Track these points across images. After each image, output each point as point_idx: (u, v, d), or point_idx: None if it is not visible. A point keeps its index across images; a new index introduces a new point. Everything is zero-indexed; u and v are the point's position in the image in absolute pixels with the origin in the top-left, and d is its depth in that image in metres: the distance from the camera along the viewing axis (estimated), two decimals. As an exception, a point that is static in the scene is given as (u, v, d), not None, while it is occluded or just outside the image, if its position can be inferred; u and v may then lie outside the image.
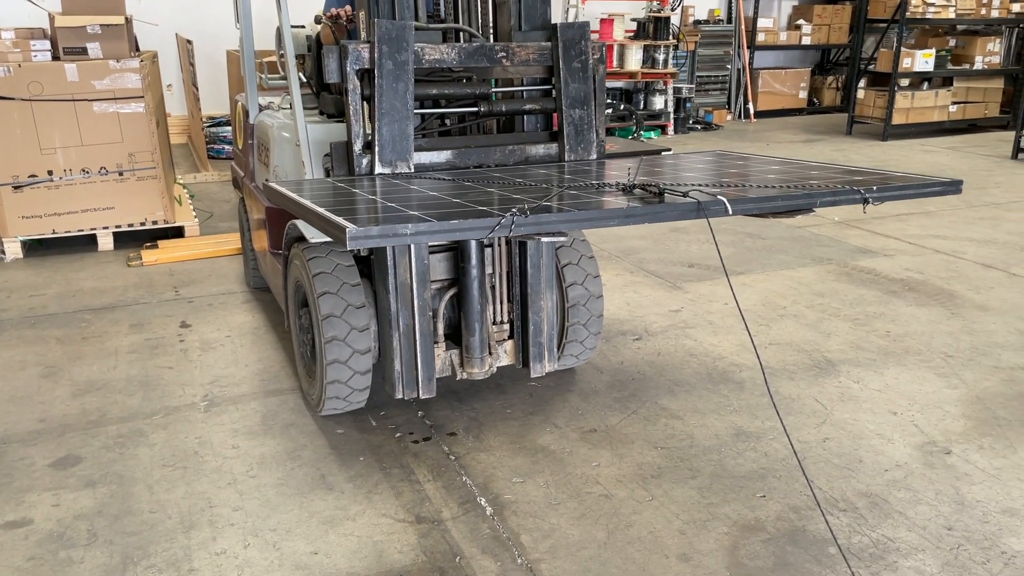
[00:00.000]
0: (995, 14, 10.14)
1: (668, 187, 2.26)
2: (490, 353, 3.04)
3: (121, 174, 5.12)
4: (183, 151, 8.50)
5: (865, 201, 2.27)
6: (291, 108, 3.63)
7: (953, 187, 2.44)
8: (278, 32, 4.01)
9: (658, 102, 10.42)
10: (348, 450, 2.91)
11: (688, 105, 10.74)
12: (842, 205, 2.32)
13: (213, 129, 8.43)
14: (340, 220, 1.98)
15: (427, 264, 2.87)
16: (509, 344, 3.13)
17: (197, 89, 7.23)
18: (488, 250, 3.04)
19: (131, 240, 5.35)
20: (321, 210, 2.14)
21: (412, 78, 2.84)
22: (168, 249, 5.12)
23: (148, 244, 5.22)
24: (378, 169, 2.83)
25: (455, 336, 3.11)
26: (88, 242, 5.31)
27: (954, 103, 10.14)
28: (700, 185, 2.36)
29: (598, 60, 3.08)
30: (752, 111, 11.51)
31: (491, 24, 3.31)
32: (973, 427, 3.06)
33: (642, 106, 10.39)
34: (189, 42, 7.04)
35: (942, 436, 2.99)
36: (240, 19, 4.04)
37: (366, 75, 2.84)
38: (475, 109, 3.10)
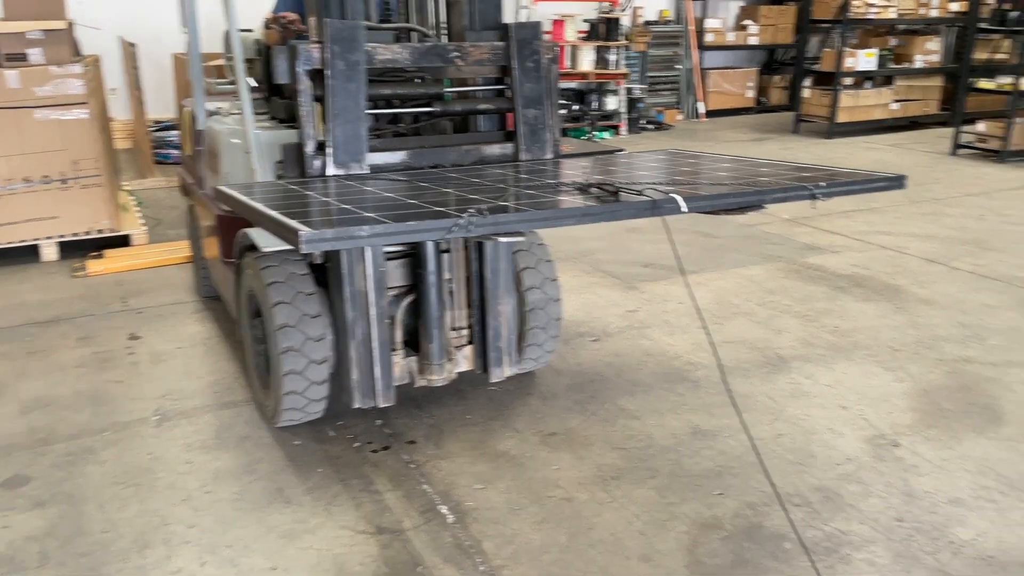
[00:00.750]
0: (934, 14, 10.44)
1: (623, 186, 2.28)
2: (449, 359, 3.04)
3: (65, 182, 4.98)
4: (128, 156, 8.31)
5: (813, 197, 2.33)
6: (240, 113, 3.57)
7: (897, 183, 2.51)
8: (226, 36, 3.95)
9: (611, 102, 10.50)
10: (306, 462, 2.88)
11: (640, 105, 10.84)
12: (792, 201, 2.37)
13: (159, 133, 8.25)
14: (294, 223, 1.95)
15: (384, 271, 2.85)
16: (468, 349, 3.13)
17: (142, 93, 7.07)
18: (446, 255, 3.03)
19: (76, 250, 5.21)
20: (274, 213, 2.11)
21: (365, 78, 2.82)
22: (115, 259, 5.00)
23: (94, 254, 5.09)
24: (331, 171, 2.80)
25: (413, 343, 3.10)
26: (31, 253, 5.15)
27: (896, 101, 10.41)
28: (654, 184, 2.39)
29: (551, 60, 3.10)
30: (702, 110, 11.67)
31: (444, 24, 3.30)
32: (919, 419, 3.15)
33: (595, 106, 10.46)
34: (133, 45, 6.88)
35: (890, 429, 3.07)
36: (186, 23, 3.96)
37: (317, 76, 2.81)
38: (429, 109, 3.09)
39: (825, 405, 3.27)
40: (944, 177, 7.69)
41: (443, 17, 3.32)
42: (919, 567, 2.30)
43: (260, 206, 2.24)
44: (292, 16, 3.45)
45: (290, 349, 2.82)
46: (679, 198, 2.16)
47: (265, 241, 2.91)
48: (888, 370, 3.57)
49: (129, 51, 7.04)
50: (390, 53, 2.88)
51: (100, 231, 5.17)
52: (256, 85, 3.96)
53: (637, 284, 4.72)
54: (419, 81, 3.11)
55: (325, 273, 3.00)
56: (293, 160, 2.88)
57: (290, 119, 3.49)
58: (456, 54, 2.98)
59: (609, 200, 2.20)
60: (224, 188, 2.63)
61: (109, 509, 2.60)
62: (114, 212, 5.21)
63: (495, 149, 3.11)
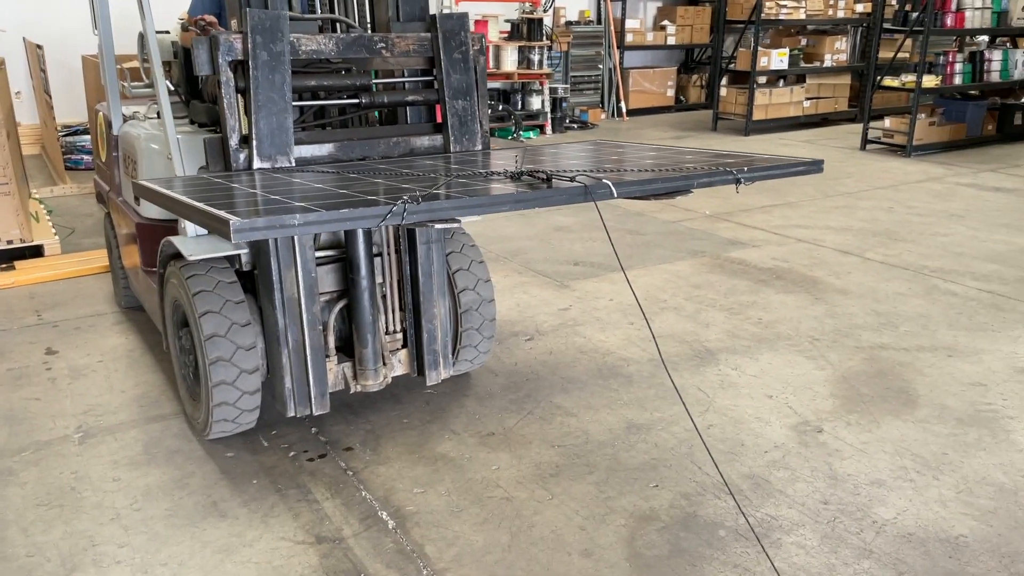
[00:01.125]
0: (841, 15, 10.87)
1: (555, 173, 2.31)
2: (384, 364, 3.02)
3: (-32, 192, 4.74)
4: (37, 163, 7.95)
5: (737, 181, 2.41)
6: (158, 117, 3.47)
7: (815, 167, 2.63)
8: (141, 37, 3.82)
9: (535, 102, 10.58)
10: (240, 473, 2.82)
11: (564, 105, 10.95)
12: (717, 185, 2.45)
13: (70, 138, 7.91)
14: (222, 213, 1.90)
15: (315, 276, 2.81)
16: (403, 353, 3.12)
17: (50, 97, 6.78)
18: (378, 259, 3.01)
19: (-17, 262, 4.97)
20: (200, 204, 2.05)
21: (289, 69, 2.78)
22: (27, 270, 4.78)
23: (3, 266, 4.85)
24: (257, 164, 2.75)
25: (347, 348, 3.07)
26: (-67, 266, 4.88)
27: (808, 99, 10.81)
28: (585, 171, 2.43)
29: (478, 51, 3.11)
30: (624, 109, 11.87)
31: (368, 16, 3.27)
32: (840, 405, 3.29)
33: (520, 106, 10.52)
34: (39, 47, 6.58)
35: (814, 416, 3.20)
36: (98, 24, 3.82)
37: (239, 67, 2.76)
38: (356, 101, 3.06)
39: (752, 395, 3.38)
40: (855, 171, 8.03)
41: (367, 9, 3.30)
42: (845, 547, 2.40)
43: (184, 198, 2.17)
44: (210, 18, 3.36)
45: (220, 359, 2.76)
46: (610, 183, 2.20)
47: (190, 249, 2.84)
48: (810, 359, 3.72)
49: (35, 53, 6.73)
50: (315, 44, 2.85)
51: (10, 242, 4.93)
52: (173, 88, 3.85)
53: (568, 282, 4.77)
54: (345, 73, 3.08)
55: (253, 280, 2.95)
56: (217, 155, 2.82)
57: (211, 123, 3.41)
58: (382, 45, 2.96)
59: (542, 187, 2.23)
60: (145, 183, 2.54)
61: (33, 532, 2.49)
62: (24, 221, 4.98)
63: (424, 141, 3.11)
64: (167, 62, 3.85)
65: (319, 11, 3.23)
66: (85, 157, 7.77)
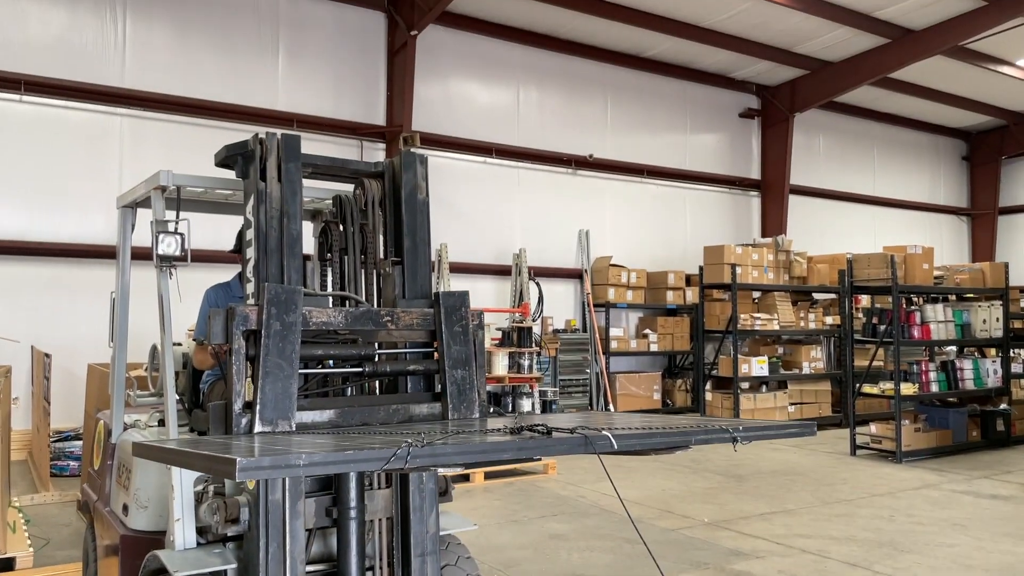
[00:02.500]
0: (812, 326, 11.55)
1: (555, 427, 2.31)
2: None
3: (-51, 501, 4.61)
4: (22, 468, 7.82)
5: (734, 440, 2.40)
6: (159, 426, 3.53)
7: (808, 429, 2.65)
8: (153, 349, 4.00)
9: (525, 404, 10.77)
10: None
11: (554, 407, 11.15)
12: (714, 443, 2.45)
13: (59, 444, 7.87)
14: (227, 454, 1.87)
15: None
16: None
17: (49, 403, 6.87)
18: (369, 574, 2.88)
19: (-54, 577, 4.68)
20: (203, 451, 2.02)
21: (299, 339, 2.87)
22: (-8, 586, 4.50)
23: (-32, 581, 4.57)
24: (258, 428, 2.73)
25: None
26: None
27: (791, 404, 11.09)
28: (585, 426, 2.44)
29: (477, 326, 3.25)
30: (612, 411, 12.07)
31: (376, 292, 3.44)
32: None
33: (511, 408, 10.69)
34: (47, 356, 6.82)
35: None
36: (115, 336, 4.01)
37: (252, 336, 2.83)
38: (360, 370, 3.12)
39: None
40: (849, 478, 7.98)
41: (374, 288, 3.48)
42: None
43: (186, 447, 2.15)
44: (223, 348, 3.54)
45: None
46: (610, 435, 2.20)
47: (176, 564, 2.72)
48: None
49: (42, 361, 6.95)
50: (325, 316, 2.98)
51: (-19, 554, 4.70)
52: (179, 397, 3.95)
53: (566, 599, 4.51)
54: (351, 343, 3.19)
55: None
56: (219, 420, 2.81)
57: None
58: (387, 318, 3.10)
59: (542, 438, 2.23)
60: (146, 442, 2.50)
61: None
62: (1, 532, 4.78)
63: (423, 408, 3.14)
64: (176, 372, 4.00)
65: (331, 288, 3.41)
66: (72, 463, 7.68)
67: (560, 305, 12.67)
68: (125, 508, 3.50)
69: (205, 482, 3.00)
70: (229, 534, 2.76)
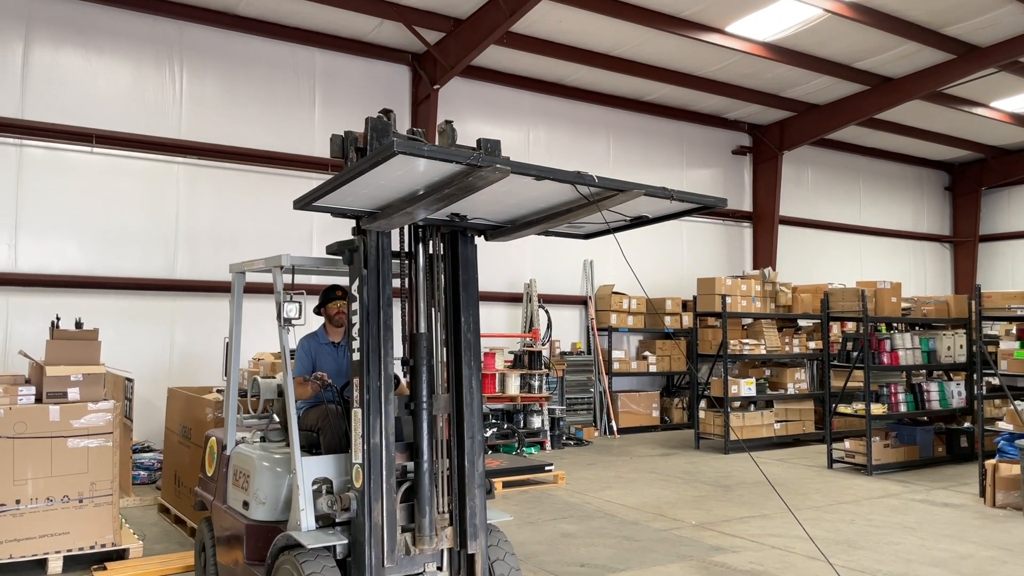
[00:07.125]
0: (797, 350, 12.66)
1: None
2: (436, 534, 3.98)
3: (81, 501, 5.73)
4: (97, 476, 8.94)
5: (671, 197, 3.75)
6: (262, 441, 4.69)
7: (720, 202, 4.26)
8: (254, 381, 5.15)
9: (536, 421, 11.90)
10: None
11: (561, 423, 12.28)
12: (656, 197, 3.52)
13: (134, 455, 8.99)
14: None
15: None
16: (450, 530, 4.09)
17: (131, 421, 8.00)
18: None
19: (75, 564, 5.77)
20: None
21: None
22: (118, 571, 5.61)
23: (96, 567, 5.68)
24: None
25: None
26: (37, 566, 5.69)
27: (778, 421, 12.18)
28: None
29: None
30: (615, 428, 13.17)
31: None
32: None
33: (522, 425, 11.81)
34: (129, 380, 7.95)
35: None
36: (228, 372, 5.14)
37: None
38: None
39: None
40: (822, 488, 9.08)
41: None
42: None
43: None
44: (322, 374, 4.69)
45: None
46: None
47: (308, 540, 3.84)
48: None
49: (122, 384, 8.08)
50: None
51: (103, 545, 5.81)
52: (277, 419, 5.09)
53: (577, 582, 5.60)
54: None
55: (346, 569, 3.90)
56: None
57: (308, 447, 4.56)
58: None
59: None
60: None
61: None
62: (117, 528, 5.90)
63: None
64: (270, 400, 5.13)
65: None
66: (143, 472, 8.80)
67: (567, 329, 13.78)
68: (245, 504, 4.61)
69: (319, 482, 4.12)
70: (341, 520, 3.89)
